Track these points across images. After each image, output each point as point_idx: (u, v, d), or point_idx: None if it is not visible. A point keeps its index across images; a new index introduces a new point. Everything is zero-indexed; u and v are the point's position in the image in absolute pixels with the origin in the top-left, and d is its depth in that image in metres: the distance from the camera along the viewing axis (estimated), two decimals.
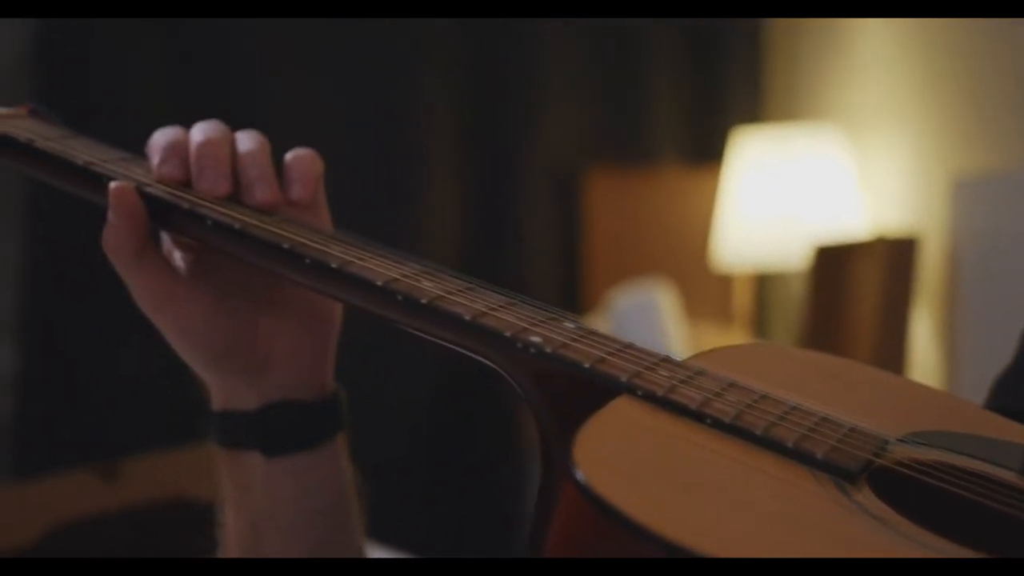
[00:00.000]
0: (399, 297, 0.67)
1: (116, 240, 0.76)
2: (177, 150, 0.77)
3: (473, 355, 0.67)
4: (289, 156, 0.80)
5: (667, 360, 0.64)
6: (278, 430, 0.79)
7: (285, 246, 0.71)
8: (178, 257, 0.79)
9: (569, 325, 0.67)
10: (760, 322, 3.03)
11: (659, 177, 3.02)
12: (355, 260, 0.70)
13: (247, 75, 2.82)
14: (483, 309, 0.67)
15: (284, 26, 2.80)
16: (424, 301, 0.67)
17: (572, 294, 2.93)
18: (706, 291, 2.90)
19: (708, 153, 3.04)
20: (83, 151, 0.79)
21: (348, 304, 0.72)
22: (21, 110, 0.84)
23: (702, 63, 3.09)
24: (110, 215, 0.75)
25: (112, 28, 2.74)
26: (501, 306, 0.68)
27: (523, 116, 2.97)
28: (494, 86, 2.96)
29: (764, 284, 3.04)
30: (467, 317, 0.66)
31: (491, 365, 0.67)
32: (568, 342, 0.64)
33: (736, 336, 2.83)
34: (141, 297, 0.77)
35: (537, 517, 0.63)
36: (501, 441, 2.88)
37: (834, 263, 2.49)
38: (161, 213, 0.76)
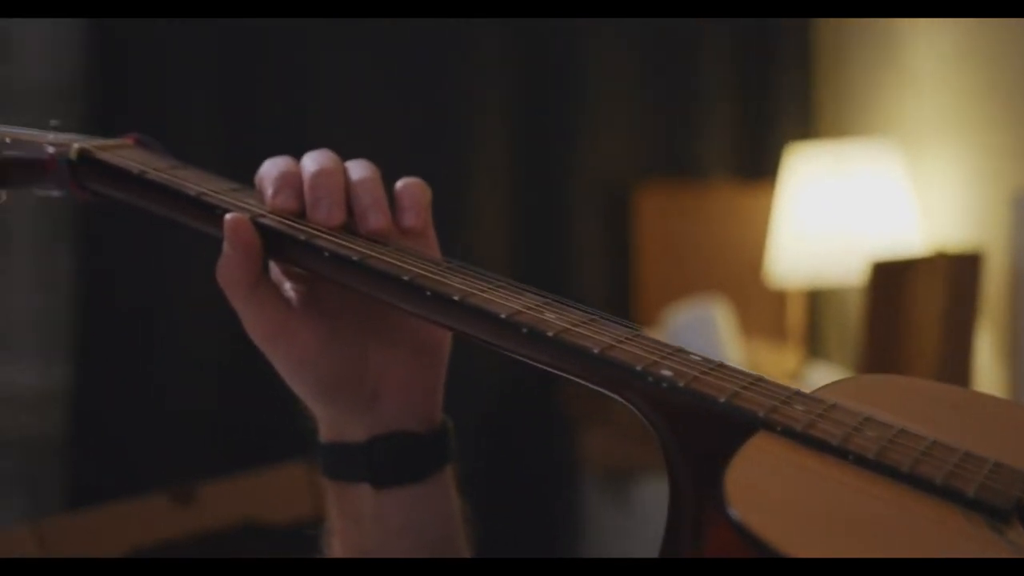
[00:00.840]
0: (524, 330, 0.67)
1: (231, 272, 0.75)
2: (290, 180, 0.77)
3: (600, 389, 0.66)
4: (399, 184, 0.80)
5: (800, 394, 0.64)
6: (387, 462, 0.79)
7: (405, 278, 0.71)
8: (288, 288, 0.79)
9: (695, 358, 0.66)
10: (814, 338, 3.02)
11: (710, 193, 3.02)
12: (476, 292, 0.70)
13: (298, 82, 2.83)
14: (611, 342, 0.66)
15: (334, 34, 2.81)
16: (550, 334, 0.66)
17: (623, 311, 2.93)
18: (759, 308, 2.89)
19: (759, 169, 3.03)
20: (195, 181, 0.78)
21: (471, 338, 0.70)
22: (127, 140, 0.85)
23: (753, 79, 3.08)
24: (225, 247, 0.75)
25: (165, 37, 2.76)
26: (628, 338, 0.67)
27: (574, 131, 2.98)
28: (545, 101, 2.97)
29: (818, 300, 3.03)
30: (595, 350, 0.65)
31: (619, 399, 0.66)
32: (699, 375, 0.64)
33: (790, 352, 2.82)
34: (253, 329, 0.77)
35: (670, 550, 0.62)
36: (556, 457, 2.88)
37: (893, 279, 2.48)
38: (276, 244, 0.75)
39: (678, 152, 3.05)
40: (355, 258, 0.72)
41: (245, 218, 0.75)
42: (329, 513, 0.81)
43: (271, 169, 0.78)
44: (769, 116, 3.07)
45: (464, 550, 0.82)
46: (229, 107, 2.80)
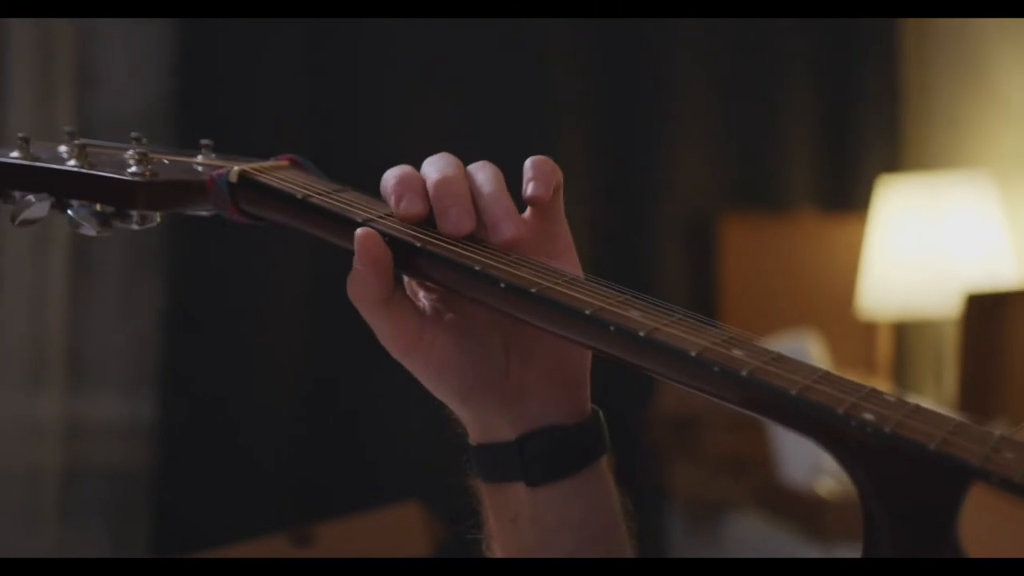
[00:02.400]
0: (715, 369, 0.64)
1: (362, 288, 0.74)
2: (411, 184, 0.76)
3: (794, 431, 0.64)
4: (529, 160, 0.78)
5: (1006, 439, 0.61)
6: (538, 458, 0.77)
7: (587, 312, 0.68)
8: (422, 295, 0.78)
9: (891, 399, 0.64)
10: (902, 371, 3.01)
11: (795, 224, 3.02)
12: (661, 327, 0.67)
13: (385, 97, 2.87)
14: (806, 382, 0.63)
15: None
16: (744, 374, 0.64)
17: None
18: (845, 340, 2.88)
19: (845, 200, 3.04)
20: (360, 206, 0.77)
21: (653, 373, 0.68)
22: (282, 161, 0.84)
23: (839, 109, 3.09)
24: (356, 262, 0.74)
25: (250, 57, 2.82)
26: (821, 378, 0.64)
27: (657, 161, 2.99)
28: (628, 130, 2.99)
29: (909, 333, 3.01)
30: (792, 392, 0.63)
31: (812, 440, 0.63)
32: (903, 419, 0.61)
33: (878, 385, 2.81)
34: (390, 343, 0.76)
35: None
36: (642, 489, 2.87)
37: (988, 312, 2.46)
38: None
39: (763, 182, 3.06)
40: (533, 290, 0.69)
41: (374, 232, 0.73)
42: (486, 517, 0.80)
43: (390, 176, 0.77)
44: (855, 146, 3.07)
45: (626, 542, 0.80)
46: (315, 124, 2.84)
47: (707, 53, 3.00)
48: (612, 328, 0.67)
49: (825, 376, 0.64)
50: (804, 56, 3.05)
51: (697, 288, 2.99)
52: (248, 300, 2.85)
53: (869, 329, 2.90)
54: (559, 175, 0.79)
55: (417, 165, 0.78)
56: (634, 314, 0.68)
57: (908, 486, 0.60)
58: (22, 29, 2.84)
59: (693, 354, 0.64)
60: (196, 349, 2.86)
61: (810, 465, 2.42)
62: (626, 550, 0.80)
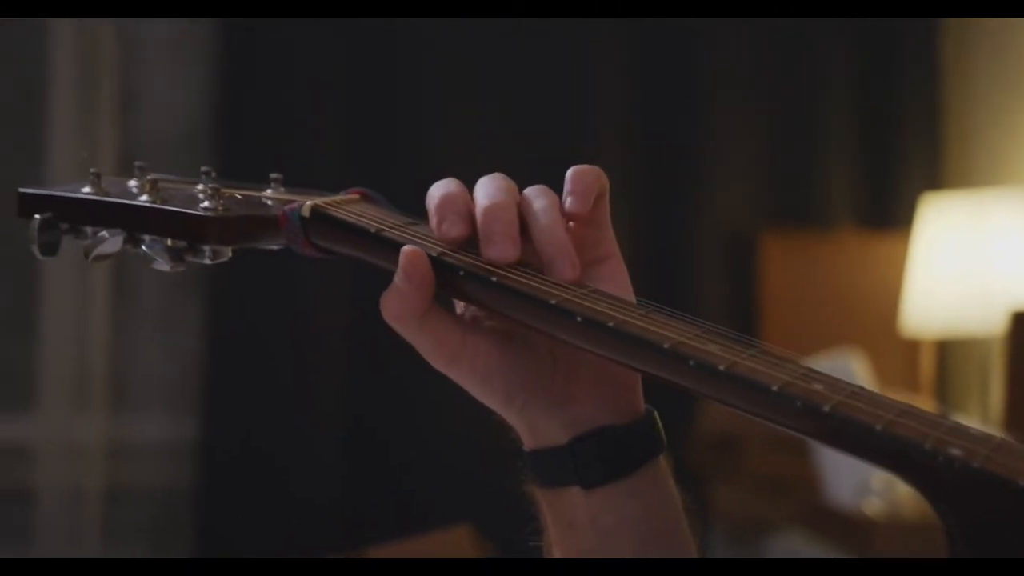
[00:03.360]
0: (798, 404, 0.64)
1: (402, 307, 0.74)
2: (454, 206, 0.75)
3: (876, 465, 0.64)
4: (571, 170, 0.77)
5: None
6: (592, 461, 0.76)
7: (666, 346, 0.68)
8: (460, 304, 0.78)
9: (975, 432, 0.63)
10: (948, 390, 3.01)
11: (837, 242, 3.03)
12: (740, 360, 0.67)
13: (422, 96, 2.90)
14: (891, 417, 0.62)
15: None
16: (827, 409, 0.63)
17: None
18: (888, 358, 2.88)
19: (886, 217, 3.04)
20: (434, 239, 0.76)
21: (732, 407, 0.67)
22: (353, 194, 0.84)
23: (879, 126, 3.09)
24: (398, 280, 0.74)
25: (288, 79, 2.85)
26: (904, 411, 0.64)
27: (696, 178, 3.00)
28: (666, 146, 2.99)
29: (953, 351, 3.01)
30: (878, 428, 0.62)
31: (895, 475, 0.64)
32: (990, 455, 0.60)
33: (921, 404, 2.81)
34: (432, 356, 0.76)
35: None
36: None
37: None
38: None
39: (803, 199, 3.06)
40: (611, 324, 0.69)
41: (421, 251, 0.73)
42: (544, 523, 0.80)
43: (435, 194, 0.76)
44: (896, 163, 3.07)
45: (690, 541, 0.79)
46: (356, 143, 2.87)
47: (747, 68, 3.01)
48: (692, 363, 0.67)
49: (908, 410, 0.64)
50: (845, 71, 3.05)
51: (737, 307, 2.99)
52: (289, 320, 2.87)
53: (912, 347, 2.90)
54: (603, 182, 0.78)
55: (463, 177, 0.78)
56: (713, 348, 0.67)
57: (996, 521, 0.59)
58: (64, 53, 2.87)
59: (775, 389, 0.64)
60: (238, 369, 2.88)
61: (857, 485, 2.42)
62: (690, 549, 0.79)
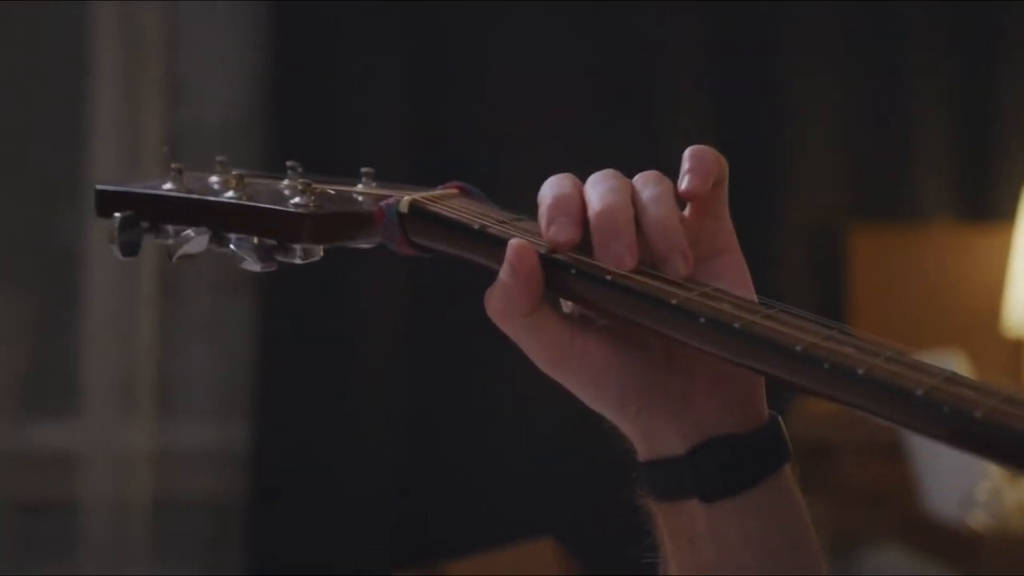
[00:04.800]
0: (945, 409, 0.62)
1: (508, 303, 0.72)
2: (566, 207, 0.73)
3: None
4: (689, 149, 0.76)
5: None
6: (714, 472, 0.75)
7: (798, 348, 0.66)
8: (568, 303, 0.76)
9: None
10: None
11: (932, 236, 2.96)
12: (880, 363, 0.64)
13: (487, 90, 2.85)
14: None
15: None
16: (978, 415, 0.61)
17: None
18: (990, 358, 2.82)
19: (985, 209, 2.97)
20: (540, 236, 0.74)
21: (869, 413, 0.65)
22: (451, 189, 0.82)
23: (976, 111, 3.01)
24: (504, 275, 0.72)
25: (343, 66, 2.81)
26: None
27: (779, 168, 2.93)
28: (748, 135, 2.92)
29: None
30: None
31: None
32: None
33: None
34: (538, 356, 0.74)
35: None
36: None
37: None
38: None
39: (895, 191, 2.99)
40: (737, 325, 0.67)
41: (529, 245, 0.72)
42: (660, 539, 0.78)
43: (547, 194, 0.74)
44: (996, 151, 3.00)
45: (819, 557, 0.78)
46: (415, 130, 2.82)
47: (834, 51, 2.94)
48: (827, 366, 0.65)
49: None
50: (940, 53, 2.97)
51: (824, 305, 2.92)
52: (344, 320, 2.82)
53: (1016, 347, 2.84)
54: (722, 165, 0.77)
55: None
56: (848, 350, 0.66)
57: None
58: (106, 38, 2.84)
59: (919, 393, 0.62)
60: (290, 373, 2.83)
61: (961, 496, 2.37)
62: (819, 565, 0.78)
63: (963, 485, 2.36)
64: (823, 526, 2.43)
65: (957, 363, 2.59)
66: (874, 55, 2.97)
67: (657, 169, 0.76)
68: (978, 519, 2.36)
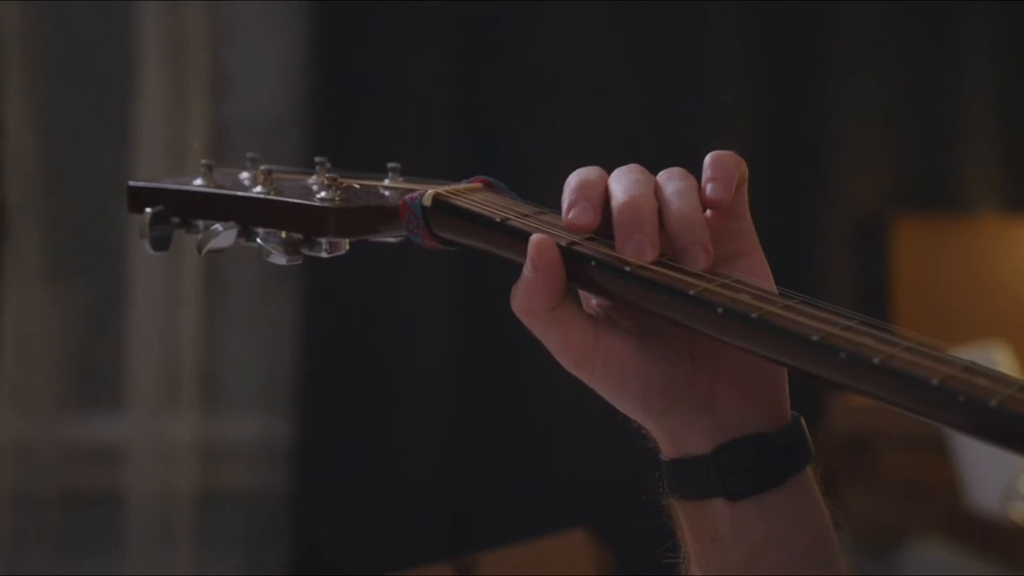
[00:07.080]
0: (960, 398, 0.63)
1: (531, 299, 0.74)
2: (588, 192, 0.76)
3: None
4: (710, 155, 0.78)
5: None
6: (738, 471, 0.76)
7: (815, 338, 0.67)
8: (593, 300, 0.78)
9: None
10: None
11: (978, 227, 2.96)
12: (896, 353, 0.66)
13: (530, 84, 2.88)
14: None
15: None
16: (993, 404, 0.62)
17: None
18: None
19: None
20: (562, 229, 0.76)
21: (886, 401, 0.67)
22: (475, 183, 0.84)
23: (1020, 104, 3.01)
24: (529, 272, 0.73)
25: (386, 61, 2.83)
26: None
27: (821, 157, 2.94)
28: (789, 123, 2.94)
29: None
30: None
31: None
32: None
33: None
34: (562, 355, 0.75)
35: None
36: None
37: None
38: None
39: (940, 180, 2.99)
40: (754, 315, 0.69)
41: (550, 240, 0.73)
42: (683, 538, 0.79)
43: (572, 179, 0.77)
44: None
45: (841, 558, 0.80)
46: (459, 127, 2.85)
47: (877, 37, 2.94)
48: (843, 355, 0.66)
49: None
50: (985, 39, 2.96)
51: (867, 296, 2.93)
52: (388, 314, 2.86)
53: None
54: (743, 169, 0.78)
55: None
56: (866, 340, 0.67)
57: None
58: (151, 33, 2.88)
59: (935, 383, 0.64)
60: (334, 366, 2.87)
61: (1004, 489, 2.38)
62: (841, 565, 0.79)
63: (1005, 477, 2.37)
64: (865, 520, 2.47)
65: (1001, 355, 2.59)
66: (920, 45, 2.96)
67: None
68: (1020, 512, 2.37)
